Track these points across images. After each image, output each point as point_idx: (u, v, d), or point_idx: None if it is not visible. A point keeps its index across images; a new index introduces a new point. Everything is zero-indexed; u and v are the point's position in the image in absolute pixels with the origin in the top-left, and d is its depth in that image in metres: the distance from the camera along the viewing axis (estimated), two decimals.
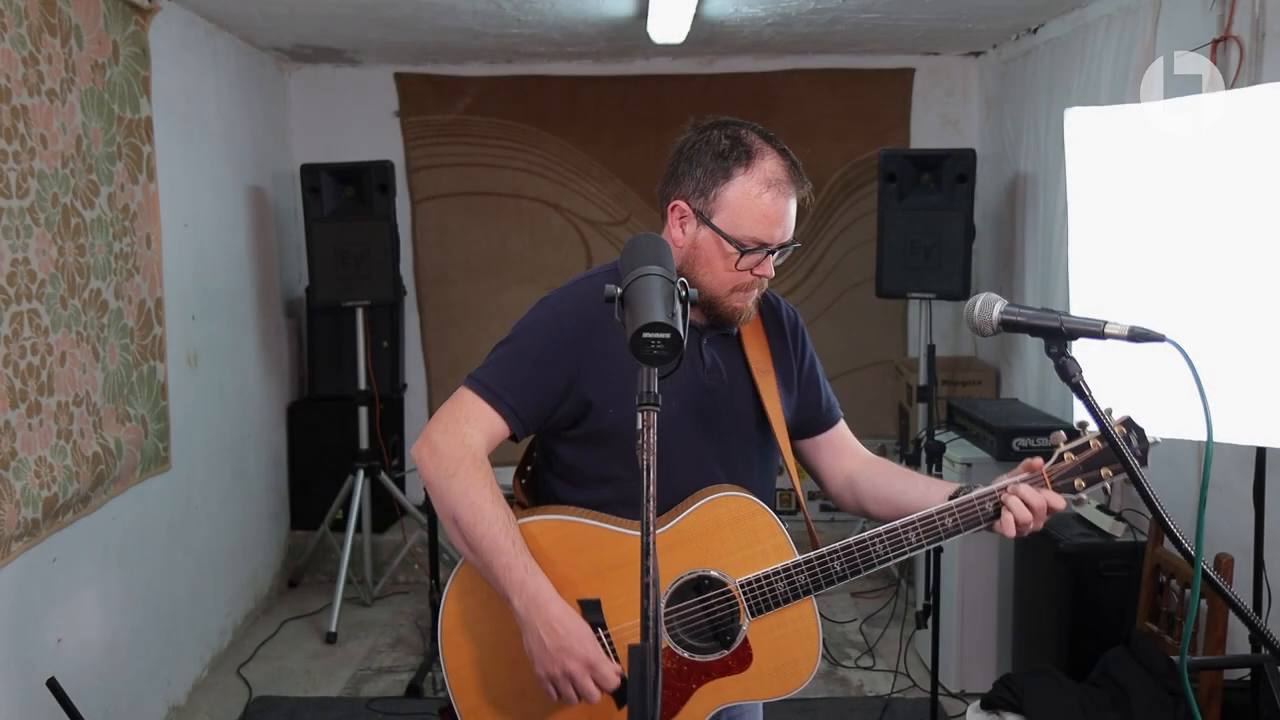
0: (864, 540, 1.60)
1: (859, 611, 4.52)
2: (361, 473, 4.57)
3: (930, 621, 3.39)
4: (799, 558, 1.60)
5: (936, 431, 3.93)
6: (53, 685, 2.30)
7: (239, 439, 4.37)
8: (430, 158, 5.27)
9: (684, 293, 1.32)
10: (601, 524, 1.64)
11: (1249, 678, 2.47)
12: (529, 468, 1.85)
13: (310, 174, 4.43)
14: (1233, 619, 2.69)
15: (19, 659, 2.72)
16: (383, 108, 5.24)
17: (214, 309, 4.11)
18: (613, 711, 1.62)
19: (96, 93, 3.12)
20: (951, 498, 1.63)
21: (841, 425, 1.89)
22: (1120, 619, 3.07)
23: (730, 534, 1.60)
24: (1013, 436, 3.50)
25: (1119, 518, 3.24)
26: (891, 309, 5.17)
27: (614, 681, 1.55)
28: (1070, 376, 1.42)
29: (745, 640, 1.61)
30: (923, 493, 1.70)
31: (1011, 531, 1.56)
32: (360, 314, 4.63)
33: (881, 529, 1.60)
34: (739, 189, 1.62)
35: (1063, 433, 1.60)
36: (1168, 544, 2.92)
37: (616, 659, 1.59)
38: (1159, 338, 1.38)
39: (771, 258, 1.64)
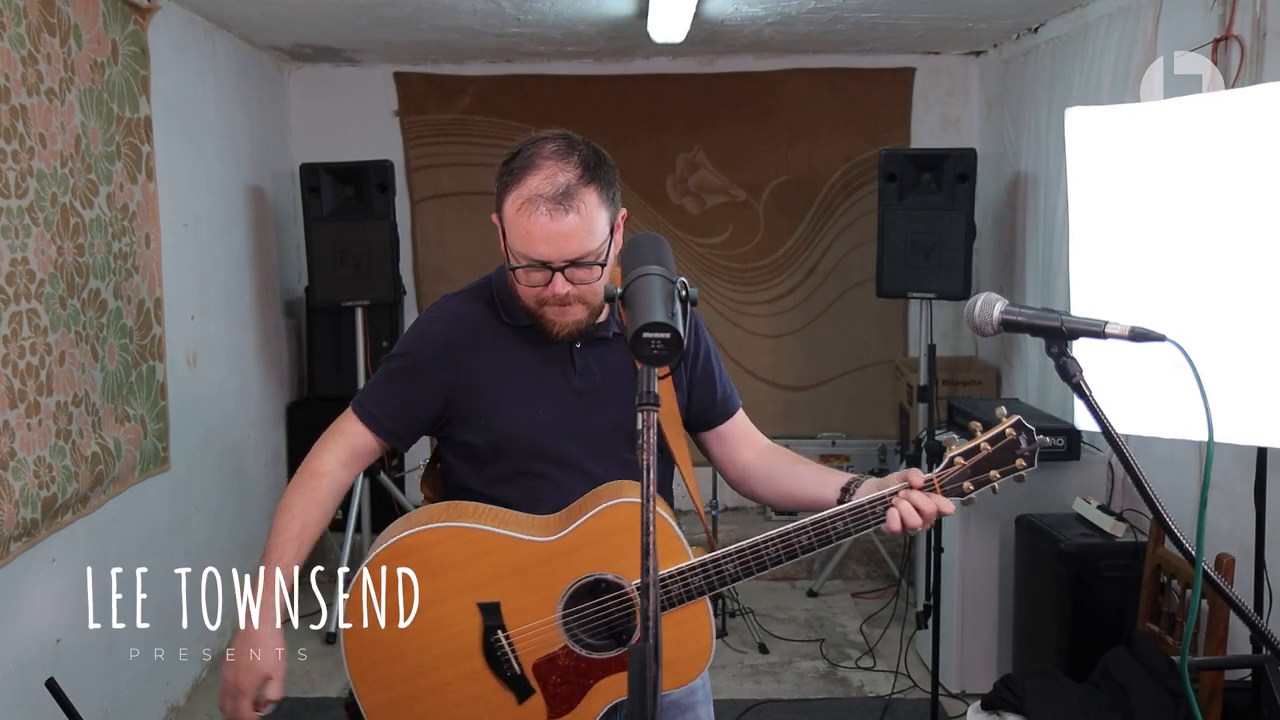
0: (757, 544, 1.64)
1: (859, 612, 4.52)
2: (361, 473, 4.56)
3: (931, 622, 3.39)
4: (694, 561, 1.63)
5: (937, 431, 3.92)
6: (52, 685, 2.29)
7: (239, 439, 4.36)
8: (430, 157, 5.26)
9: (684, 293, 1.32)
10: (501, 530, 1.68)
11: (1250, 678, 2.47)
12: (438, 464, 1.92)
13: (310, 173, 4.43)
14: (1234, 619, 2.68)
15: (18, 659, 2.72)
16: (382, 107, 5.24)
17: (213, 309, 4.11)
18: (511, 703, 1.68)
19: (95, 92, 3.12)
20: (843, 489, 1.70)
21: (739, 417, 1.92)
22: (1121, 619, 3.07)
23: (627, 538, 1.62)
24: None
25: (1120, 518, 3.23)
26: (892, 309, 5.16)
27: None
28: (1071, 376, 1.42)
29: None
30: (815, 483, 1.76)
31: (896, 528, 1.61)
32: (360, 314, 4.62)
33: (774, 533, 1.63)
34: (509, 207, 1.63)
35: (954, 436, 1.62)
36: (1169, 544, 2.92)
37: (518, 660, 1.66)
38: (1159, 337, 1.38)
39: (560, 276, 1.61)
